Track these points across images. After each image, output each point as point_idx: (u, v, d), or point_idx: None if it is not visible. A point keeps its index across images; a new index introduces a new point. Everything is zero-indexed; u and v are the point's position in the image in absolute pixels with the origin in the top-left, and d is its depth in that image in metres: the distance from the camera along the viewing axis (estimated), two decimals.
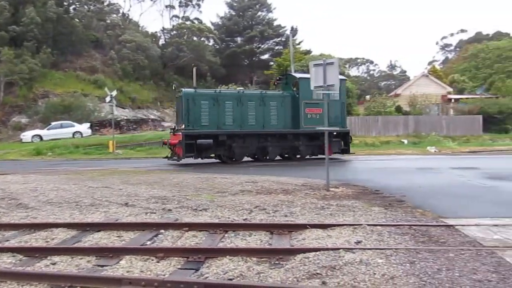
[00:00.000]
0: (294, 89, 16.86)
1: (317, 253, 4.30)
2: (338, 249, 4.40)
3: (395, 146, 26.75)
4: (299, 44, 51.39)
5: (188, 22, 48.97)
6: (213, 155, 16.04)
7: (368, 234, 5.05)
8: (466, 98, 37.94)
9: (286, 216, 6.32)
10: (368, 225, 5.44)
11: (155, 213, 6.75)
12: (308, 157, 16.92)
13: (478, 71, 61.99)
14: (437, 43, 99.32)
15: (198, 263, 4.29)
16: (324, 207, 6.85)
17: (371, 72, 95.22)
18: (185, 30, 46.77)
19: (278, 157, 16.82)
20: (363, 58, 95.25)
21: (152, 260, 4.41)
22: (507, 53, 63.46)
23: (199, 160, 15.75)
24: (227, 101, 15.71)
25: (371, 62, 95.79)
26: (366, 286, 3.45)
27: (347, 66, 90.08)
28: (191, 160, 15.52)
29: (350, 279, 3.58)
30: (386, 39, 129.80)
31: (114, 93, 23.60)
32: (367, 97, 44.03)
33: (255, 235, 5.33)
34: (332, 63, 8.29)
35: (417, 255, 4.20)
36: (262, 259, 4.32)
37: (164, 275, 3.99)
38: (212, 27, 52.44)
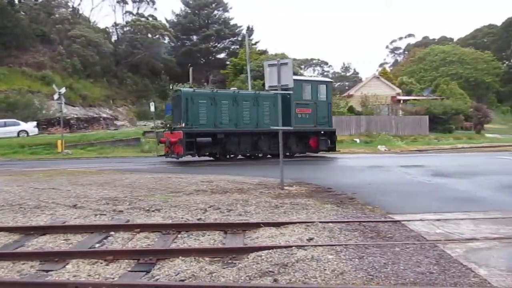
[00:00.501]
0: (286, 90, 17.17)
1: (270, 251, 4.34)
2: (291, 246, 4.46)
3: (348, 145, 27.52)
4: (255, 44, 51.65)
5: (142, 19, 47.78)
6: (207, 153, 16.40)
7: (320, 231, 5.16)
8: (414, 100, 39.76)
9: (240, 215, 6.33)
10: (320, 222, 5.56)
11: (105, 214, 6.53)
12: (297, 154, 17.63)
13: (425, 74, 65.16)
14: (387, 47, 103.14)
15: (150, 265, 4.21)
16: (278, 205, 6.92)
17: (326, 73, 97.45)
18: (139, 27, 45.60)
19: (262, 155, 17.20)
20: (318, 59, 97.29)
21: (101, 263, 4.27)
22: (451, 57, 67.17)
23: (185, 158, 15.76)
24: (223, 100, 16.14)
25: (326, 64, 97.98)
26: (316, 282, 3.52)
27: (302, 66, 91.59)
28: (186, 158, 15.90)
29: (301, 276, 3.64)
30: (340, 42, 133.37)
31: (63, 90, 22.56)
32: None
33: (208, 235, 5.29)
34: (286, 64, 8.39)
35: (365, 251, 4.34)
36: (215, 259, 4.30)
37: (113, 278, 3.87)
38: (167, 25, 51.52)
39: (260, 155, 16.90)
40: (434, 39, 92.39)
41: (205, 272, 3.88)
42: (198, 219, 6.07)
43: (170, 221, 5.95)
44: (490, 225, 5.31)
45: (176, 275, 3.86)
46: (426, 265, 3.88)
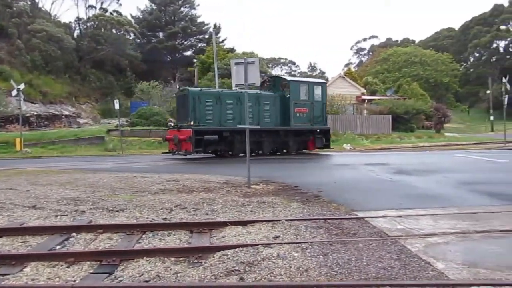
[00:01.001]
0: (284, 90, 18.50)
1: (236, 249, 4.34)
2: (257, 245, 4.48)
3: None
4: (222, 42, 51.50)
5: (106, 14, 46.50)
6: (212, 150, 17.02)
7: (286, 229, 5.21)
8: (378, 99, 40.85)
9: (207, 214, 6.30)
10: (286, 220, 5.61)
11: (66, 215, 6.32)
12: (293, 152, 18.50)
13: (388, 74, 67.06)
14: (352, 47, 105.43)
15: (113, 266, 4.11)
16: (245, 204, 6.93)
17: (293, 73, 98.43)
18: (103, 22, 44.37)
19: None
20: (286, 59, 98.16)
21: (61, 265, 4.13)
22: (413, 58, 69.44)
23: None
24: (228, 100, 16.94)
25: (293, 63, 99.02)
26: (282, 279, 3.55)
27: (270, 65, 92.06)
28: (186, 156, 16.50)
29: (267, 274, 3.66)
30: (307, 41, 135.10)
31: (22, 86, 21.61)
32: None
33: (174, 235, 5.24)
34: (253, 62, 8.40)
35: (330, 247, 4.42)
36: (181, 259, 4.26)
37: (74, 281, 3.76)
38: (132, 21, 50.40)
39: (260, 152, 17.73)
40: (396, 41, 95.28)
41: (170, 272, 3.83)
42: (164, 219, 5.98)
43: (134, 221, 5.83)
44: (448, 221, 5.53)
45: (140, 276, 3.79)
46: (387, 260, 3.99)
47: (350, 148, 24.34)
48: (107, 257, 4.25)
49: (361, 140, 28.47)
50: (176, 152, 16.30)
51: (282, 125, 18.08)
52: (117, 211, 6.56)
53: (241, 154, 16.86)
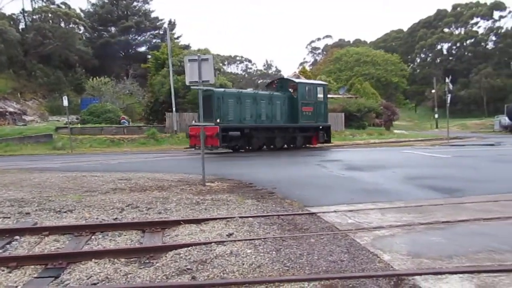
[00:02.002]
0: (291, 90, 20.67)
1: (189, 248, 4.30)
2: (210, 243, 4.46)
3: None
4: (177, 38, 50.67)
5: (52, 6, 44.33)
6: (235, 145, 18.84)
7: (239, 226, 5.21)
8: (331, 98, 41.83)
9: (160, 213, 6.18)
10: (240, 217, 5.62)
11: (9, 217, 5.98)
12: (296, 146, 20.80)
13: (341, 73, 68.91)
14: (306, 47, 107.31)
15: (59, 269, 3.94)
16: (199, 202, 6.87)
17: (249, 70, 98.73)
18: (50, 15, 42.26)
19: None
20: (242, 56, 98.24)
21: (3, 270, 3.91)
22: (364, 58, 71.77)
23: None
24: (246, 99, 18.82)
25: (250, 61, 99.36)
26: (234, 276, 3.56)
27: (225, 63, 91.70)
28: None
29: (219, 271, 3.65)
30: (263, 40, 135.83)
31: None
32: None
33: (125, 235, 5.10)
34: (206, 59, 8.32)
35: (283, 243, 4.48)
36: (132, 260, 4.16)
37: (16, 287, 3.56)
38: (82, 14, 48.42)
39: (271, 146, 19.94)
40: (349, 41, 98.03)
41: (120, 273, 3.73)
42: (115, 219, 5.81)
43: (83, 222, 5.62)
44: (395, 214, 5.77)
45: (88, 279, 3.66)
46: (337, 254, 4.11)
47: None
48: (52, 261, 4.06)
49: None
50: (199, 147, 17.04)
51: (291, 122, 20.30)
52: (64, 212, 6.29)
53: (261, 148, 19.62)
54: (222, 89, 19.40)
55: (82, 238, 4.91)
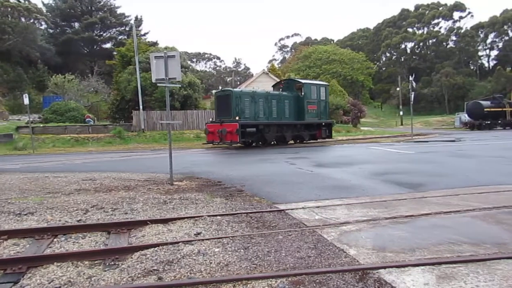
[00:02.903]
0: (298, 90, 22.57)
1: (156, 248, 4.23)
2: (178, 242, 4.41)
3: None
4: (144, 35, 49.82)
5: (13, 0, 42.54)
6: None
7: (208, 225, 5.18)
8: None
9: (126, 213, 6.05)
10: (209, 216, 5.58)
11: None
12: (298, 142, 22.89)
13: (310, 71, 69.65)
14: (275, 44, 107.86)
15: (19, 274, 3.79)
16: (167, 201, 6.78)
17: (218, 68, 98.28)
18: (8, 9, 40.51)
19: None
20: (211, 54, 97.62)
21: None
22: (332, 56, 72.83)
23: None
24: (260, 99, 20.45)
25: (218, 58, 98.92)
26: (202, 276, 3.53)
27: (194, 60, 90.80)
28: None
29: (186, 271, 3.61)
30: (232, 37, 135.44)
31: None
32: (213, 91, 45.26)
33: (89, 237, 4.96)
34: (173, 56, 8.20)
35: (251, 241, 4.48)
36: (96, 262, 4.05)
37: None
38: (43, 9, 46.69)
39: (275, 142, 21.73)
40: (316, 39, 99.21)
41: (83, 277, 3.62)
42: (78, 221, 5.64)
43: (45, 225, 5.43)
44: (361, 209, 5.89)
45: (49, 283, 3.53)
46: (305, 250, 4.15)
47: (273, 143, 24.86)
48: (12, 265, 3.90)
49: None
50: (219, 143, 19.37)
51: (298, 119, 22.17)
52: (25, 214, 6.05)
53: (272, 143, 21.58)
54: (239, 89, 21.94)
55: (43, 241, 4.74)
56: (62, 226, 5.25)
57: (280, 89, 23.31)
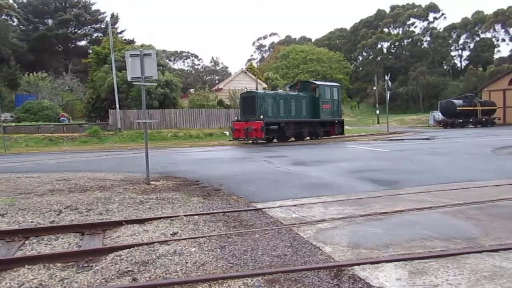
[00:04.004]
0: (313, 91, 25.06)
1: (131, 249, 4.18)
2: (153, 243, 4.36)
3: (218, 138, 28.12)
4: (120, 33, 49.04)
5: None
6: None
7: (184, 225, 5.15)
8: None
9: (101, 214, 5.95)
10: (186, 215, 5.55)
11: None
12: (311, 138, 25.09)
13: (288, 70, 69.98)
14: (253, 43, 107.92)
15: None
16: (143, 201, 6.70)
17: (196, 67, 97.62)
18: None
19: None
20: (188, 52, 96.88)
21: None
22: (310, 56, 73.37)
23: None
24: (280, 99, 22.79)
25: (196, 57, 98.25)
26: (177, 276, 3.50)
27: (172, 58, 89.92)
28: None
29: (162, 272, 3.58)
30: (210, 36, 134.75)
31: None
32: (191, 90, 44.97)
33: (63, 238, 4.86)
34: (149, 55, 8.10)
35: (227, 240, 4.48)
36: (69, 264, 3.97)
37: None
38: (15, 5, 45.34)
39: (289, 137, 23.74)
40: (295, 39, 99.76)
41: (55, 279, 3.54)
42: (51, 222, 5.51)
43: (16, 227, 5.28)
44: (337, 207, 5.96)
45: (20, 287, 3.44)
46: (281, 248, 4.17)
47: (253, 142, 24.87)
48: None
49: None
50: (244, 139, 21.69)
51: (313, 117, 24.50)
52: None
53: (291, 139, 23.75)
54: (263, 91, 24.60)
55: (14, 243, 4.61)
56: (34, 228, 5.12)
57: (297, 90, 25.43)
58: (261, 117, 20.99)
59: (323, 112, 24.81)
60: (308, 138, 24.62)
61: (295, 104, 23.50)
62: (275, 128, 21.73)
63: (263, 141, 22.02)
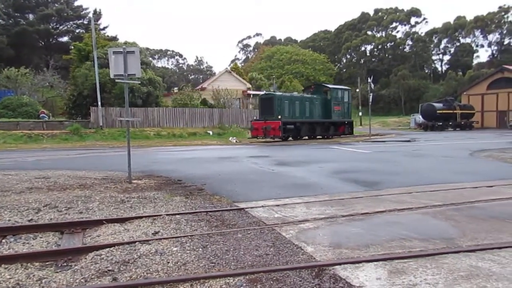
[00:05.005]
0: (325, 94, 27.09)
1: (112, 249, 4.12)
2: (134, 242, 4.32)
3: (201, 137, 28.00)
4: (103, 29, 48.38)
5: None
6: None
7: (166, 224, 5.11)
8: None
9: (81, 212, 5.86)
10: (167, 215, 5.51)
11: None
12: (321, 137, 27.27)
13: (273, 71, 70.12)
14: (238, 44, 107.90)
15: None
16: (124, 200, 6.63)
17: (180, 65, 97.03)
18: None
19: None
20: (173, 51, 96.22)
21: None
22: (295, 57, 73.68)
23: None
24: (296, 101, 24.89)
25: (181, 56, 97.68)
26: (158, 275, 3.48)
27: (156, 57, 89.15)
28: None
29: (143, 271, 3.54)
30: (195, 35, 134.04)
31: None
32: (175, 89, 44.65)
33: (41, 237, 4.76)
34: (133, 52, 8.01)
35: (209, 239, 4.46)
36: (47, 263, 3.89)
37: None
38: None
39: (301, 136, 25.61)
40: (280, 39, 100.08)
41: (33, 279, 3.47)
42: (29, 220, 5.40)
43: None
44: (319, 207, 6.00)
45: None
46: (263, 248, 4.18)
47: (236, 141, 24.91)
48: None
49: (247, 134, 29.36)
50: (263, 137, 23.70)
51: (325, 118, 26.64)
52: None
53: (304, 138, 25.88)
54: (280, 93, 26.06)
55: None
56: (12, 227, 5.01)
57: (310, 93, 27.54)
58: (279, 117, 22.92)
59: (334, 113, 26.88)
60: (319, 136, 26.83)
61: (309, 105, 25.53)
62: (291, 128, 23.85)
63: (279, 139, 23.87)
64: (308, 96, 26.62)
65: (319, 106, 26.27)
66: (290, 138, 24.95)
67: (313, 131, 26.02)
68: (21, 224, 5.18)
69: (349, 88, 31.12)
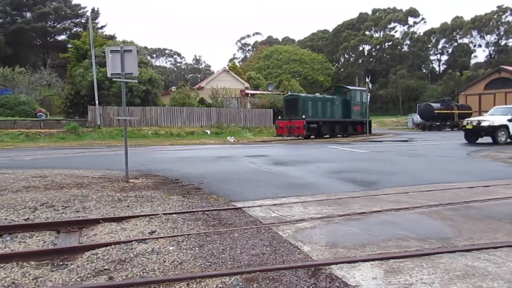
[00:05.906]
0: (345, 94, 28.56)
1: (108, 248, 4.12)
2: (131, 241, 4.31)
3: (199, 137, 27.97)
4: (101, 28, 48.27)
5: None
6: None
7: (163, 223, 5.11)
8: (261, 94, 42.46)
9: (78, 211, 5.85)
10: (164, 214, 5.50)
11: None
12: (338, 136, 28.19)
13: (271, 70, 70.13)
14: (236, 43, 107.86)
15: None
16: (121, 199, 6.62)
17: (178, 64, 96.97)
18: None
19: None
20: (171, 50, 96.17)
21: None
22: (293, 56, 73.68)
23: None
24: (318, 102, 26.55)
25: (179, 55, 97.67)
26: (155, 274, 3.48)
27: (154, 56, 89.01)
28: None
29: (139, 270, 3.54)
30: (193, 34, 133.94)
31: None
32: (173, 88, 44.59)
33: (37, 236, 4.75)
34: (130, 51, 7.99)
35: (206, 239, 4.46)
36: (43, 262, 3.89)
37: None
38: None
39: (322, 134, 26.95)
40: (277, 39, 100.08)
41: (28, 278, 3.46)
42: (26, 219, 5.39)
43: None
44: (316, 207, 6.01)
45: None
46: (260, 247, 4.18)
47: (233, 141, 24.89)
48: None
49: (245, 133, 29.36)
50: (287, 135, 25.39)
51: (345, 118, 28.05)
52: None
53: (325, 136, 27.05)
54: (304, 94, 28.92)
55: None
56: (8, 225, 4.99)
57: (330, 94, 29.00)
58: (303, 116, 24.60)
59: (354, 113, 28.35)
60: (339, 135, 27.93)
61: (330, 106, 27.08)
62: (314, 127, 25.46)
63: (302, 138, 25.28)
64: (329, 97, 28.07)
65: (339, 106, 27.66)
66: (312, 136, 26.31)
67: (333, 130, 27.31)
68: (17, 223, 5.17)
69: (366, 89, 31.85)
